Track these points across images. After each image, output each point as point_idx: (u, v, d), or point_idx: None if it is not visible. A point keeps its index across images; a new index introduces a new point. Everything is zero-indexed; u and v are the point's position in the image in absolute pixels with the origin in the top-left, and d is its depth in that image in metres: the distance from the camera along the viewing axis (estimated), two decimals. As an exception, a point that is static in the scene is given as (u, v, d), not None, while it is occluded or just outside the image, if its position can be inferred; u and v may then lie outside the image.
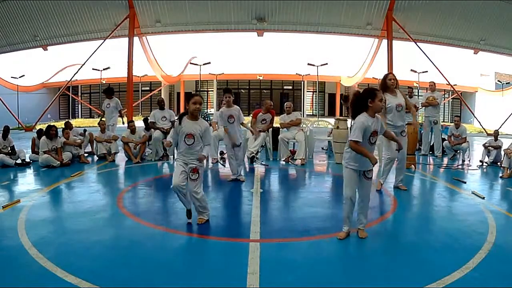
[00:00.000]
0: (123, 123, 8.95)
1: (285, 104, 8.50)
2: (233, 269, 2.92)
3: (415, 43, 16.47)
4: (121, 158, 8.18)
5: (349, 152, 3.53)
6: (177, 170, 3.84)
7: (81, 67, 17.31)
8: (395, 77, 5.36)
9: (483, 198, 5.10)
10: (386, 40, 16.90)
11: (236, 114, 5.85)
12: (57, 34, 17.29)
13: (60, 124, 10.09)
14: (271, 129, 8.20)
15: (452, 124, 9.12)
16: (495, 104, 26.50)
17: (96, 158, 8.37)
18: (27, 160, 7.57)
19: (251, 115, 8.23)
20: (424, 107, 9.30)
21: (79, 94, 33.83)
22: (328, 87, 34.76)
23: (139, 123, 10.14)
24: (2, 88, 23.67)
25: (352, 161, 3.53)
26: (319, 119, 19.43)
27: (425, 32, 17.22)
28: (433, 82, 9.27)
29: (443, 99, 9.47)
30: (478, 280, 2.76)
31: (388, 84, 5.30)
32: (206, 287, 2.68)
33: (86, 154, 8.25)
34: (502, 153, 7.22)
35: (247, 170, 7.24)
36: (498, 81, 29.68)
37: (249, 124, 7.37)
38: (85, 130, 9.26)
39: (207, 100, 33.58)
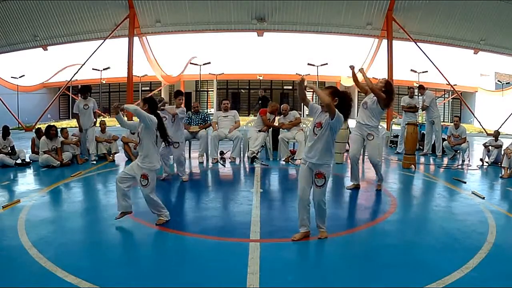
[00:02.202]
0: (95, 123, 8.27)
1: (281, 106, 8.49)
2: (233, 269, 2.92)
3: (415, 43, 16.46)
4: (121, 158, 8.18)
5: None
6: (128, 166, 4.00)
7: (81, 67, 17.29)
8: (383, 81, 5.26)
9: (483, 198, 5.10)
10: (386, 40, 16.89)
11: (179, 116, 6.12)
12: (57, 34, 17.27)
13: (60, 124, 10.04)
14: (271, 129, 8.27)
15: (452, 124, 9.13)
16: (495, 104, 26.47)
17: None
18: (27, 160, 7.57)
19: (259, 113, 8.37)
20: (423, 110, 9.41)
21: (79, 94, 33.78)
22: (328, 87, 34.67)
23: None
24: (2, 88, 23.63)
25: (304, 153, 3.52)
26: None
27: (425, 32, 17.20)
28: (418, 86, 9.33)
29: (429, 99, 9.45)
30: (478, 280, 2.76)
31: None
32: (206, 287, 2.68)
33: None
34: (503, 153, 7.23)
35: (247, 170, 7.25)
36: (498, 81, 29.64)
37: (252, 123, 7.45)
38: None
39: (207, 100, 33.56)
